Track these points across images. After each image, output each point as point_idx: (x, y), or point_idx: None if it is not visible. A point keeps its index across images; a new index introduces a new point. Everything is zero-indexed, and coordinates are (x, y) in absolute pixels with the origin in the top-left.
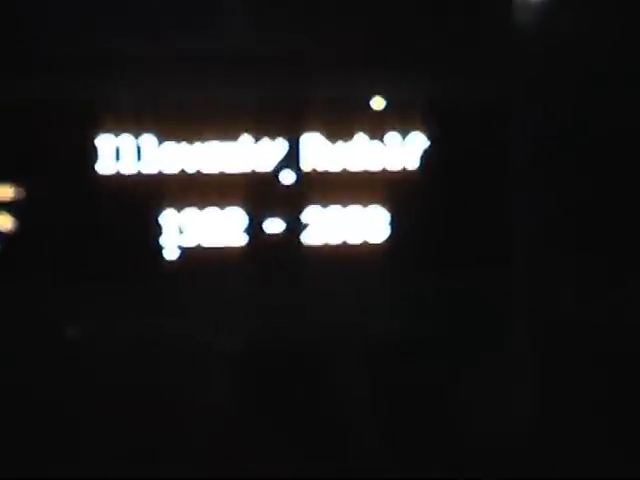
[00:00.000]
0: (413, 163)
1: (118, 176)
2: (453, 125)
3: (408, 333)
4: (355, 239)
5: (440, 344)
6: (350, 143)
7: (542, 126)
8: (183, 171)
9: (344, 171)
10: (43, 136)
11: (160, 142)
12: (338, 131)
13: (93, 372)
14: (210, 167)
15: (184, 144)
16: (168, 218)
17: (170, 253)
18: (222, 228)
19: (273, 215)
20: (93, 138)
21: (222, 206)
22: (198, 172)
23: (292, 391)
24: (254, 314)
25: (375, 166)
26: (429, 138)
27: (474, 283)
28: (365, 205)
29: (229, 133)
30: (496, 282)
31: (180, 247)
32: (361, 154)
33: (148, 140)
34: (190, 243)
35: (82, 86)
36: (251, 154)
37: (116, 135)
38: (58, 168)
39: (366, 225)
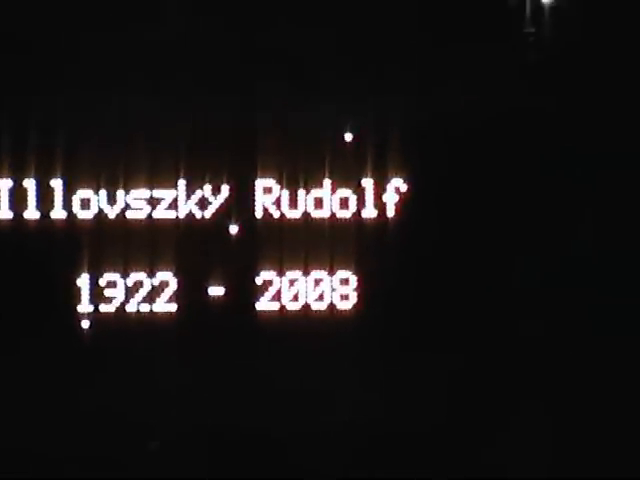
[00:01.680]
0: (390, 212)
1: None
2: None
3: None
4: (319, 305)
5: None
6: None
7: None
8: (102, 219)
9: (306, 219)
10: None
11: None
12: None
13: None
14: (137, 214)
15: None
16: (84, 277)
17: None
18: (152, 289)
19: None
20: None
21: (153, 262)
22: (123, 220)
23: None
24: (190, 402)
25: (344, 214)
26: (408, 181)
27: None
28: (332, 263)
29: (162, 178)
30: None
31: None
32: (327, 200)
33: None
34: (111, 308)
35: None
36: (189, 200)
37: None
38: None
39: (332, 287)
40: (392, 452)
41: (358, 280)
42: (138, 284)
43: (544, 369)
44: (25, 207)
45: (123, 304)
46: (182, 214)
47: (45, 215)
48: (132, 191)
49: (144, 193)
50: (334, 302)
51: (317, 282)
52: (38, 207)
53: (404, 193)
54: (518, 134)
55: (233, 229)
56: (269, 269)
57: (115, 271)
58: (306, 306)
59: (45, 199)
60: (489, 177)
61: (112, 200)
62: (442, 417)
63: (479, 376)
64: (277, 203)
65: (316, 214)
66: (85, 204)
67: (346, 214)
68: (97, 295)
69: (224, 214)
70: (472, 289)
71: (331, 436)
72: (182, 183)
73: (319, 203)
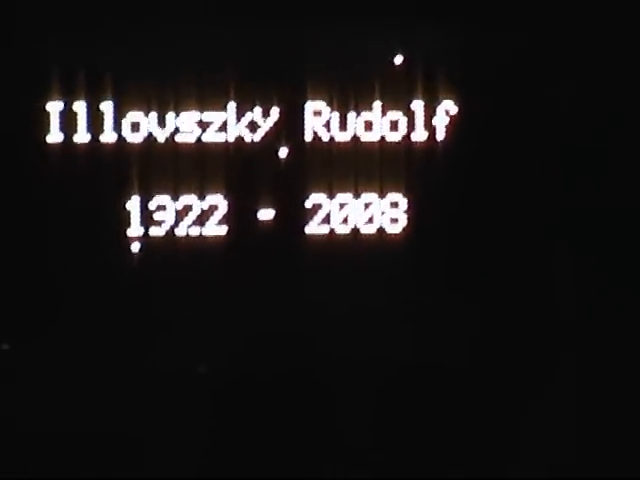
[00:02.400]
0: (440, 135)
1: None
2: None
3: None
4: (369, 228)
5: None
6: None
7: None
8: (152, 143)
9: (355, 142)
10: None
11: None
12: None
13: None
14: (187, 137)
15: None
16: (134, 200)
17: (136, 244)
18: (201, 212)
19: (266, 197)
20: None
21: (202, 185)
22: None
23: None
24: (239, 328)
25: (394, 137)
26: (459, 104)
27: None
28: (382, 186)
29: (211, 101)
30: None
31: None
32: (377, 123)
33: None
34: (160, 232)
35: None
36: (238, 122)
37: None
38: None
39: (382, 210)
40: (424, 384)
41: (408, 203)
42: (188, 207)
43: (582, 319)
44: (75, 130)
45: (173, 227)
46: (232, 137)
47: (95, 138)
48: (182, 114)
49: (194, 116)
50: (383, 225)
51: (367, 205)
52: (88, 130)
53: (454, 115)
54: (570, 60)
55: (283, 152)
56: (319, 192)
57: (165, 194)
58: (355, 230)
59: (95, 122)
60: (539, 100)
61: (162, 123)
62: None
63: (523, 312)
64: (327, 126)
65: (366, 137)
66: (135, 127)
67: (396, 137)
68: (147, 218)
69: (274, 137)
70: (520, 215)
71: (372, 364)
72: (232, 106)
73: (369, 126)
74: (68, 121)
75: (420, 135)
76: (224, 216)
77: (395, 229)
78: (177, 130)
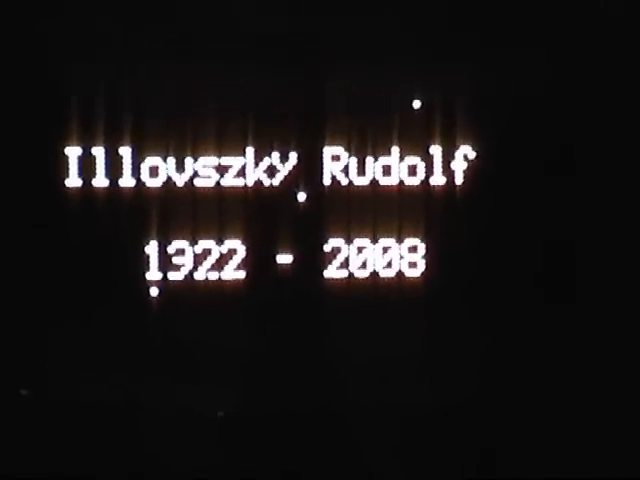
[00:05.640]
0: (459, 180)
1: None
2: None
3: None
4: (387, 272)
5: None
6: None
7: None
8: (171, 187)
9: (374, 186)
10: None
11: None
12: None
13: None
14: (205, 182)
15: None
16: (153, 244)
17: (155, 289)
18: (220, 257)
19: (285, 242)
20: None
21: (221, 229)
22: (191, 189)
23: None
24: (258, 370)
25: (412, 181)
26: (477, 148)
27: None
28: (400, 230)
29: (230, 146)
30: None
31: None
32: (395, 167)
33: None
34: (179, 276)
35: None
36: (257, 167)
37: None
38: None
39: (401, 254)
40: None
41: (426, 247)
42: (206, 252)
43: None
44: (94, 175)
45: (191, 272)
46: (250, 182)
47: (114, 183)
48: (200, 158)
49: (212, 161)
50: (402, 270)
51: (385, 250)
52: (107, 175)
53: (472, 160)
54: (589, 101)
55: (301, 197)
56: (337, 237)
57: (183, 239)
58: (374, 274)
59: (114, 167)
60: (557, 145)
61: (180, 168)
62: (502, 389)
63: (543, 347)
64: (345, 170)
65: (384, 181)
66: (154, 172)
67: (414, 181)
68: (166, 263)
69: (292, 182)
70: (538, 257)
71: (394, 408)
72: (250, 150)
73: (387, 170)
74: (87, 166)
75: (438, 180)
76: (242, 260)
77: (414, 273)
78: (196, 174)
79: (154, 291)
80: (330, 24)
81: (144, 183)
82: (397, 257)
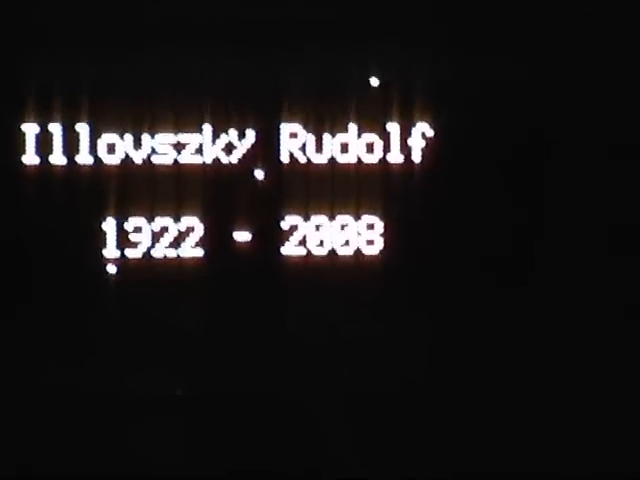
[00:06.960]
0: (416, 157)
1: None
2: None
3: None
4: (345, 250)
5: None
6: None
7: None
8: (128, 164)
9: (332, 164)
10: None
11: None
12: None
13: None
14: (163, 159)
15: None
16: (110, 221)
17: (112, 266)
18: (178, 235)
19: (243, 219)
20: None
21: (179, 207)
22: (149, 166)
23: None
24: (215, 346)
25: (370, 159)
26: (434, 126)
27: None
28: (358, 208)
29: (187, 123)
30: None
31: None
32: (352, 144)
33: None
34: (137, 254)
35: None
36: (214, 145)
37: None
38: None
39: (358, 232)
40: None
41: (384, 225)
42: (164, 229)
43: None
44: (51, 152)
45: (149, 249)
46: (208, 159)
47: (71, 160)
48: (157, 135)
49: (170, 138)
50: (360, 247)
51: (343, 227)
52: (64, 152)
53: (430, 138)
54: (545, 81)
55: (259, 174)
56: (295, 214)
57: (141, 216)
58: (332, 251)
59: (71, 144)
60: (515, 123)
61: (138, 145)
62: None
63: (505, 327)
64: (303, 148)
65: (342, 159)
66: (111, 149)
67: (372, 159)
68: (123, 240)
69: (250, 159)
70: (496, 236)
71: (351, 387)
72: (208, 127)
73: (345, 148)
74: (44, 143)
75: (396, 157)
76: (200, 238)
77: (372, 251)
78: (153, 151)
79: (112, 268)
80: (288, 4)
81: (101, 160)
82: (355, 234)
